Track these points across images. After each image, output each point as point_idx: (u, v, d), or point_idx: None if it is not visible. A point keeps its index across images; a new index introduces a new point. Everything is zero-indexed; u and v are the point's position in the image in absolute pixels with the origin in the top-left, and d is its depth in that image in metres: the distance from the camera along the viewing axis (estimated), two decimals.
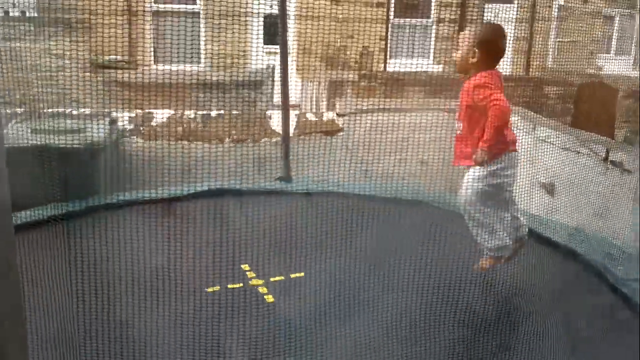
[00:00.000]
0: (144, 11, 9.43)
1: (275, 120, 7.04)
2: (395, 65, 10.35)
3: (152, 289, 3.03)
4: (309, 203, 4.88)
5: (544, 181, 5.77)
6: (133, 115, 7.01)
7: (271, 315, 3.13)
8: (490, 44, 3.05)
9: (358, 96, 9.21)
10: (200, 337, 2.74)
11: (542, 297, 3.32)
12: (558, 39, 10.26)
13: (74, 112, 5.85)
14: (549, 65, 10.67)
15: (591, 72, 9.39)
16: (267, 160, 6.10)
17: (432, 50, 10.87)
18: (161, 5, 9.95)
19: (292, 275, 3.50)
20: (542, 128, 6.10)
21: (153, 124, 7.10)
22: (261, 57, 9.17)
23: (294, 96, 8.47)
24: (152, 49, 9.58)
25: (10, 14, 7.79)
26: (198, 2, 9.92)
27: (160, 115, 7.09)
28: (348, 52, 10.42)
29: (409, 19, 11.16)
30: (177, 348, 2.76)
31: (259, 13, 8.06)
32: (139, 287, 3.09)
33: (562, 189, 5.39)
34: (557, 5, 10.62)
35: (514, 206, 3.17)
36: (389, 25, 10.93)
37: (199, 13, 9.73)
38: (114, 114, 6.48)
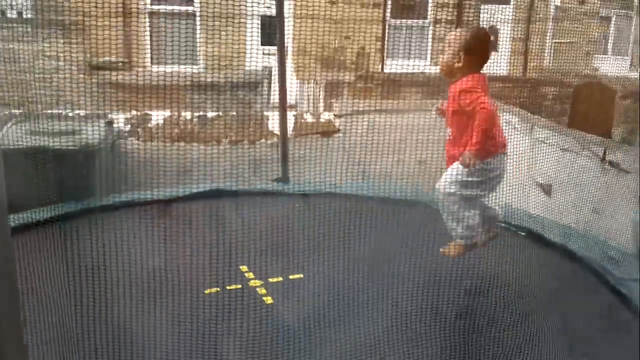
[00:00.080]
0: (139, 12, 9.41)
1: (273, 121, 7.03)
2: (392, 66, 10.35)
3: (150, 290, 3.02)
4: (306, 204, 4.87)
5: (542, 182, 5.77)
6: (129, 116, 6.99)
7: (270, 316, 3.12)
8: (476, 48, 3.06)
9: (355, 97, 9.21)
10: (198, 338, 2.72)
11: (540, 298, 3.32)
12: (555, 40, 10.28)
13: (71, 114, 5.83)
14: (546, 66, 10.69)
15: (588, 72, 9.41)
16: (264, 161, 6.09)
17: (429, 51, 10.87)
18: (157, 7, 9.94)
19: (291, 277, 3.49)
20: (539, 129, 6.10)
21: (149, 125, 7.08)
22: (258, 58, 9.17)
23: (291, 97, 8.46)
24: (148, 50, 9.56)
25: (8, 16, 7.77)
26: (194, 3, 9.91)
27: (157, 116, 7.07)
28: (345, 53, 10.42)
29: (405, 20, 11.17)
30: (175, 349, 2.74)
31: (253, 14, 8.05)
32: (137, 289, 3.08)
33: (560, 189, 5.39)
34: (553, 6, 10.64)
35: (488, 199, 3.19)
36: (386, 26, 10.94)
37: (195, 14, 9.72)
38: (110, 116, 6.47)
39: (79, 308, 2.63)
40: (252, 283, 3.44)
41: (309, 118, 7.72)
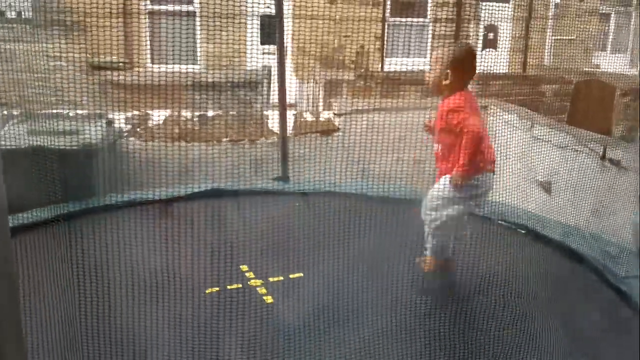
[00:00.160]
0: (139, 12, 9.42)
1: (272, 120, 7.03)
2: (392, 64, 10.35)
3: (151, 290, 3.02)
4: (306, 203, 4.88)
5: (541, 179, 5.77)
6: (130, 116, 7.00)
7: (270, 316, 3.12)
8: (463, 65, 3.11)
9: (355, 96, 9.21)
10: (199, 338, 2.73)
11: (540, 296, 3.32)
12: (554, 37, 10.28)
13: (71, 114, 5.84)
14: (546, 63, 10.69)
15: (588, 69, 9.41)
16: (264, 160, 6.10)
17: (428, 50, 10.87)
18: (157, 6, 9.94)
19: (292, 276, 3.49)
20: (539, 126, 6.11)
21: (150, 124, 7.09)
22: (258, 57, 9.17)
23: (290, 96, 8.47)
24: (148, 50, 9.56)
25: (7, 16, 7.77)
26: (194, 2, 9.91)
27: (157, 116, 7.07)
28: (345, 52, 10.42)
29: (405, 19, 11.17)
30: (176, 349, 2.74)
31: (253, 13, 8.04)
32: (138, 289, 3.08)
33: (560, 187, 5.39)
34: (553, 3, 10.63)
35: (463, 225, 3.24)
36: (386, 24, 10.94)
37: (195, 13, 9.72)
38: (110, 115, 6.47)
39: (80, 308, 2.63)
40: (252, 282, 3.44)
41: (308, 117, 7.72)
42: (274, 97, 6.80)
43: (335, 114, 7.72)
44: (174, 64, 7.73)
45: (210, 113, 7.30)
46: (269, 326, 2.95)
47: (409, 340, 2.79)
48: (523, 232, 4.35)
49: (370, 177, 5.22)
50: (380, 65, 10.80)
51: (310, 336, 2.82)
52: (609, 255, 3.91)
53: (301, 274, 3.49)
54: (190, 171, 5.34)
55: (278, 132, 6.08)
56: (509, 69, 10.67)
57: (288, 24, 7.44)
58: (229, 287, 3.29)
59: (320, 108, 9.00)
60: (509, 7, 11.24)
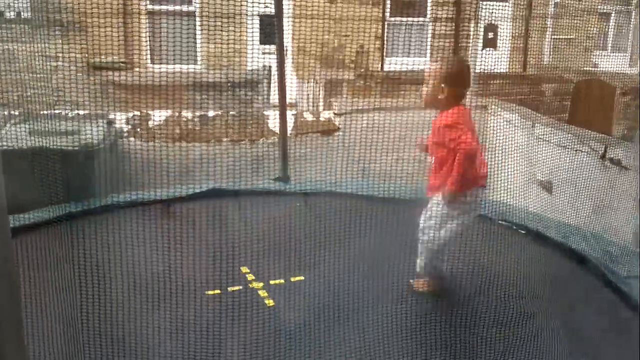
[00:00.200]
0: (139, 12, 9.41)
1: (273, 120, 7.03)
2: (392, 64, 10.35)
3: (152, 291, 3.02)
4: (306, 203, 4.87)
5: (542, 179, 5.77)
6: (130, 116, 6.99)
7: (271, 318, 3.10)
8: (457, 80, 3.13)
9: (355, 95, 9.21)
10: (200, 339, 2.72)
11: (540, 296, 3.32)
12: (554, 36, 10.27)
13: (71, 114, 5.84)
14: (546, 63, 10.68)
15: (588, 69, 9.40)
16: (264, 160, 6.10)
17: (428, 49, 10.87)
18: (157, 6, 9.94)
19: (293, 279, 3.48)
20: (539, 125, 6.10)
21: (150, 124, 7.09)
22: (258, 57, 9.18)
23: (290, 96, 8.47)
24: (148, 50, 9.57)
25: (7, 16, 7.77)
26: (194, 2, 9.91)
27: (158, 116, 7.07)
28: (344, 51, 10.42)
29: (405, 18, 11.16)
30: (178, 350, 2.74)
31: (253, 13, 8.04)
32: (138, 290, 3.08)
33: (560, 186, 5.39)
34: (553, 3, 10.63)
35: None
36: (385, 24, 10.94)
37: (194, 13, 9.73)
38: (111, 115, 6.47)
39: (80, 308, 2.63)
40: (253, 285, 3.43)
41: (308, 117, 7.72)
42: (274, 97, 6.80)
43: (335, 113, 7.71)
44: (174, 64, 7.74)
45: (210, 113, 7.30)
46: (270, 328, 2.94)
47: (410, 343, 2.78)
48: (523, 232, 4.35)
49: (370, 176, 5.22)
50: (380, 65, 10.80)
51: (311, 339, 2.81)
52: (610, 255, 3.91)
53: (302, 278, 3.47)
54: (190, 171, 5.34)
55: (278, 132, 6.08)
56: (509, 68, 10.67)
57: (288, 24, 7.44)
58: (230, 289, 3.28)
59: (321, 108, 8.99)
60: (508, 6, 11.23)
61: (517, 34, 10.91)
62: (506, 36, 10.79)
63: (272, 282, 3.45)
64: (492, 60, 8.29)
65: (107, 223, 3.96)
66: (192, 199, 4.84)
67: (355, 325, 2.88)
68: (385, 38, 10.94)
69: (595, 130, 5.86)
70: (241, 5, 6.98)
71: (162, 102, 6.86)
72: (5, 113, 5.57)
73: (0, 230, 1.16)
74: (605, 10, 10.92)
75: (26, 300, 1.76)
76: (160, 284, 3.06)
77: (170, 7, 9.90)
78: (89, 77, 7.65)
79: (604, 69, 9.53)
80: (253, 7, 7.24)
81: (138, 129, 6.98)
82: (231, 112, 7.62)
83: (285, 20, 5.84)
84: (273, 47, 5.75)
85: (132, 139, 6.77)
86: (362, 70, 10.09)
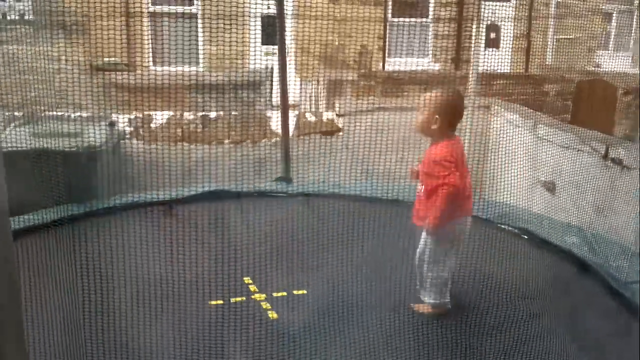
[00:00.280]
0: (142, 13, 9.43)
1: (275, 121, 7.03)
2: (394, 64, 10.36)
3: (154, 298, 3.00)
4: (309, 204, 4.86)
5: (545, 179, 5.76)
6: (132, 117, 7.00)
7: (274, 332, 3.07)
8: (450, 110, 3.18)
9: (357, 96, 9.20)
10: (202, 351, 2.70)
11: (542, 298, 3.32)
12: (557, 36, 10.25)
13: (73, 115, 5.84)
14: (548, 63, 10.66)
15: (590, 68, 9.39)
16: (267, 161, 6.10)
17: (430, 49, 10.87)
18: (159, 7, 9.95)
19: (296, 292, 3.44)
20: (542, 125, 6.09)
21: (152, 126, 7.09)
22: (260, 57, 9.18)
23: (293, 96, 8.47)
24: (150, 51, 9.58)
25: (9, 17, 7.78)
26: (195, 3, 9.93)
27: (160, 117, 7.07)
28: (347, 52, 10.42)
29: (407, 18, 11.16)
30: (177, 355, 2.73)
31: (255, 14, 8.04)
32: (139, 296, 3.06)
33: (563, 187, 5.38)
34: (555, 2, 10.61)
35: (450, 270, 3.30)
36: (387, 24, 10.94)
37: (196, 14, 9.74)
38: (113, 117, 6.47)
39: (81, 311, 2.63)
40: (255, 297, 3.39)
41: (311, 117, 7.72)
42: (276, 98, 6.80)
43: (337, 114, 7.71)
44: (176, 64, 7.74)
45: (212, 114, 7.31)
46: (273, 342, 2.90)
47: (415, 353, 2.77)
48: (525, 237, 4.34)
49: (373, 177, 5.21)
50: (382, 65, 10.80)
51: (316, 353, 2.79)
52: (612, 255, 3.89)
53: (305, 292, 3.43)
54: (194, 172, 5.34)
55: (280, 133, 6.08)
56: (511, 68, 10.66)
57: (289, 24, 7.44)
58: (232, 300, 3.24)
59: (323, 108, 8.99)
60: (511, 7, 11.23)
61: (519, 34, 10.90)
62: (508, 36, 10.78)
63: (275, 294, 3.40)
64: (495, 61, 8.29)
65: (109, 225, 3.95)
66: (194, 200, 4.84)
67: (359, 336, 2.85)
68: (387, 38, 10.94)
69: (597, 130, 5.85)
70: (242, 6, 6.98)
71: (164, 104, 6.87)
72: (8, 114, 5.58)
73: (0, 231, 1.16)
74: (607, 10, 10.89)
75: (27, 303, 1.76)
76: (162, 290, 3.05)
77: (172, 9, 9.91)
78: (92, 79, 7.66)
79: (606, 69, 9.51)
80: (255, 8, 7.24)
81: (140, 131, 6.99)
82: (233, 113, 7.62)
83: (287, 20, 5.84)
84: (275, 48, 5.75)
85: (134, 140, 6.78)
86: (365, 70, 10.09)
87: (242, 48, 8.80)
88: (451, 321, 3.10)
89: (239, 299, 3.29)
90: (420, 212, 3.21)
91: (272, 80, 8.43)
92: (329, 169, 5.62)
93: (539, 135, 6.03)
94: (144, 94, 6.52)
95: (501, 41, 10.63)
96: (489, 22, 10.31)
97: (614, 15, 11.26)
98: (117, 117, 6.66)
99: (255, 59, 9.24)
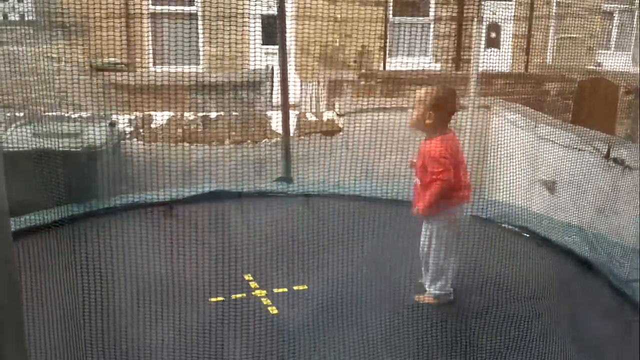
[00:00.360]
0: (142, 14, 9.43)
1: (275, 121, 7.02)
2: (395, 63, 10.35)
3: (154, 296, 3.00)
4: (309, 204, 4.86)
5: (546, 179, 5.75)
6: (132, 117, 7.00)
7: (275, 327, 3.07)
8: (444, 105, 3.26)
9: (358, 96, 9.20)
10: (202, 347, 2.70)
11: (544, 297, 3.31)
12: (557, 36, 10.25)
13: (74, 116, 5.84)
14: (549, 62, 10.66)
15: (591, 68, 9.38)
16: (267, 161, 6.09)
17: (431, 48, 10.87)
18: (159, 7, 9.95)
19: (296, 288, 3.45)
20: (543, 125, 6.08)
21: (153, 126, 7.09)
22: (260, 57, 9.18)
23: (293, 96, 8.46)
24: (150, 51, 9.58)
25: (10, 18, 7.78)
26: (196, 3, 9.92)
27: (160, 117, 7.07)
28: (347, 52, 10.41)
29: (407, 18, 11.16)
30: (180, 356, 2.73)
31: (255, 14, 8.04)
32: (140, 295, 3.07)
33: (564, 186, 5.37)
34: (555, 2, 10.60)
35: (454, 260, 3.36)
36: (388, 24, 10.93)
37: (197, 15, 9.73)
38: (113, 117, 6.47)
39: (81, 311, 2.62)
40: (256, 293, 3.40)
41: (311, 117, 7.71)
42: (277, 98, 6.80)
43: (338, 114, 7.71)
44: (176, 65, 7.74)
45: (213, 114, 7.30)
46: (273, 337, 2.91)
47: (415, 350, 2.77)
48: (527, 235, 4.34)
49: (374, 177, 5.21)
50: (382, 65, 10.79)
51: (315, 347, 2.79)
52: (613, 255, 3.89)
53: (305, 287, 3.44)
54: (194, 172, 5.34)
55: (281, 132, 6.08)
56: (512, 67, 10.65)
57: (290, 24, 7.43)
58: (233, 296, 3.25)
59: (323, 108, 8.99)
60: (511, 6, 11.23)
61: (520, 34, 10.89)
62: (509, 36, 10.78)
63: (275, 290, 3.43)
64: (495, 60, 8.28)
65: (109, 225, 3.96)
66: (194, 200, 4.84)
67: (359, 332, 2.85)
68: (387, 38, 10.93)
69: (598, 130, 5.84)
70: (242, 6, 6.98)
71: (164, 104, 6.87)
72: (9, 115, 5.57)
73: (1, 231, 1.15)
74: (608, 10, 10.89)
75: (28, 302, 1.75)
76: (163, 288, 3.05)
77: (172, 9, 9.91)
78: (92, 79, 7.66)
79: (607, 68, 9.51)
80: (255, 8, 7.24)
81: (141, 131, 6.99)
82: (233, 113, 7.62)
83: (287, 20, 5.84)
84: (275, 48, 5.74)
85: (134, 140, 6.78)
86: (365, 70, 10.08)
87: (242, 48, 8.80)
88: (452, 320, 3.10)
89: (239, 295, 3.29)
90: (417, 203, 3.30)
91: (272, 80, 8.43)
92: (329, 169, 5.62)
93: (540, 135, 6.02)
94: (144, 94, 6.52)
95: (501, 41, 10.64)
96: (489, 22, 10.31)
97: (615, 14, 11.26)
98: (118, 117, 6.66)
99: (255, 59, 9.24)
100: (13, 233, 1.28)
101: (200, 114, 7.22)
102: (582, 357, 2.85)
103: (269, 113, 7.70)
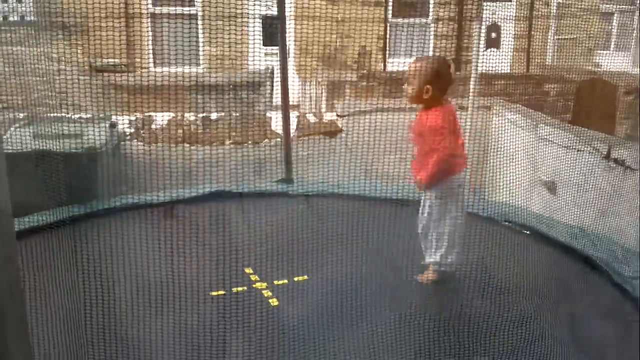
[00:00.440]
0: (141, 14, 9.43)
1: (275, 122, 7.03)
2: (395, 64, 10.35)
3: (155, 293, 3.01)
4: (310, 205, 4.86)
5: (546, 179, 5.76)
6: (133, 118, 7.00)
7: (275, 318, 3.10)
8: (441, 77, 3.26)
9: (358, 96, 9.21)
10: (204, 341, 2.71)
11: (544, 296, 3.31)
12: (557, 37, 10.25)
13: (74, 117, 5.84)
14: (549, 63, 10.66)
15: (591, 68, 9.38)
16: (267, 162, 6.09)
17: (431, 49, 10.87)
18: (159, 8, 9.95)
19: (296, 279, 3.47)
20: (543, 126, 6.09)
21: (153, 127, 7.09)
22: (260, 58, 9.18)
23: (293, 97, 8.46)
24: (150, 52, 9.58)
25: (10, 19, 7.79)
26: (196, 4, 9.92)
27: (160, 118, 7.08)
28: (347, 52, 10.42)
29: (407, 18, 11.16)
30: (182, 351, 2.73)
31: (255, 15, 8.04)
32: (142, 292, 3.08)
33: (564, 187, 5.37)
34: (555, 3, 10.61)
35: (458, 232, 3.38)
36: (388, 24, 10.94)
37: (197, 15, 9.73)
38: (113, 118, 6.48)
39: (83, 310, 2.63)
40: (257, 285, 3.42)
41: (311, 118, 7.72)
42: (277, 99, 6.80)
43: (338, 115, 7.71)
44: (176, 65, 7.75)
45: (213, 115, 7.31)
46: (274, 328, 2.94)
47: (416, 344, 2.77)
48: (527, 232, 4.33)
49: (374, 177, 5.21)
50: (383, 66, 10.80)
51: (316, 338, 2.80)
52: (613, 255, 3.89)
53: (305, 277, 3.47)
54: (195, 173, 5.34)
55: (281, 133, 6.07)
56: (512, 68, 10.66)
57: (290, 25, 7.44)
58: (234, 290, 3.27)
59: (323, 109, 8.99)
60: (512, 6, 11.23)
61: (520, 34, 10.90)
62: (509, 36, 10.78)
63: (276, 282, 3.45)
64: (495, 61, 8.29)
65: (110, 226, 3.96)
66: (195, 201, 4.84)
67: (360, 324, 2.87)
68: (387, 39, 10.94)
69: (599, 130, 5.85)
70: (242, 7, 6.98)
71: (164, 105, 6.87)
72: (10, 116, 5.58)
73: (4, 230, 1.16)
74: (608, 10, 10.89)
75: (30, 303, 1.75)
76: (164, 285, 3.06)
77: (172, 9, 9.91)
78: (92, 80, 7.67)
79: (607, 69, 9.51)
80: (255, 8, 7.24)
81: (141, 132, 6.99)
82: (234, 114, 7.63)
83: (287, 21, 5.84)
84: (275, 49, 5.75)
85: (135, 141, 6.78)
86: (365, 71, 10.09)
87: (242, 49, 8.81)
88: (452, 317, 3.10)
89: (240, 288, 3.31)
90: (416, 172, 3.34)
91: (272, 81, 8.43)
92: (330, 169, 5.61)
93: (540, 135, 6.02)
94: (145, 95, 6.52)
95: (502, 41, 10.64)
96: (489, 22, 10.31)
97: (615, 15, 11.26)
98: (118, 118, 6.66)
99: (255, 60, 9.24)
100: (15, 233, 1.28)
101: (200, 115, 7.23)
102: (582, 357, 2.85)
103: (269, 114, 7.70)
